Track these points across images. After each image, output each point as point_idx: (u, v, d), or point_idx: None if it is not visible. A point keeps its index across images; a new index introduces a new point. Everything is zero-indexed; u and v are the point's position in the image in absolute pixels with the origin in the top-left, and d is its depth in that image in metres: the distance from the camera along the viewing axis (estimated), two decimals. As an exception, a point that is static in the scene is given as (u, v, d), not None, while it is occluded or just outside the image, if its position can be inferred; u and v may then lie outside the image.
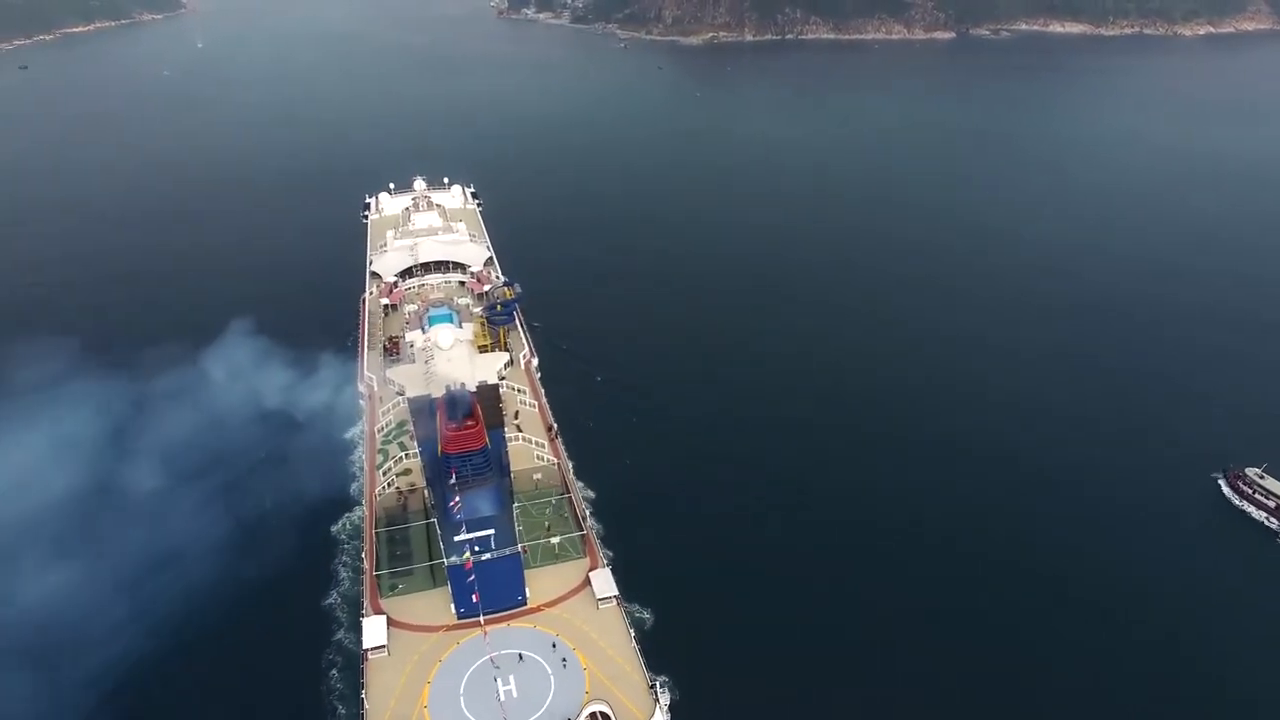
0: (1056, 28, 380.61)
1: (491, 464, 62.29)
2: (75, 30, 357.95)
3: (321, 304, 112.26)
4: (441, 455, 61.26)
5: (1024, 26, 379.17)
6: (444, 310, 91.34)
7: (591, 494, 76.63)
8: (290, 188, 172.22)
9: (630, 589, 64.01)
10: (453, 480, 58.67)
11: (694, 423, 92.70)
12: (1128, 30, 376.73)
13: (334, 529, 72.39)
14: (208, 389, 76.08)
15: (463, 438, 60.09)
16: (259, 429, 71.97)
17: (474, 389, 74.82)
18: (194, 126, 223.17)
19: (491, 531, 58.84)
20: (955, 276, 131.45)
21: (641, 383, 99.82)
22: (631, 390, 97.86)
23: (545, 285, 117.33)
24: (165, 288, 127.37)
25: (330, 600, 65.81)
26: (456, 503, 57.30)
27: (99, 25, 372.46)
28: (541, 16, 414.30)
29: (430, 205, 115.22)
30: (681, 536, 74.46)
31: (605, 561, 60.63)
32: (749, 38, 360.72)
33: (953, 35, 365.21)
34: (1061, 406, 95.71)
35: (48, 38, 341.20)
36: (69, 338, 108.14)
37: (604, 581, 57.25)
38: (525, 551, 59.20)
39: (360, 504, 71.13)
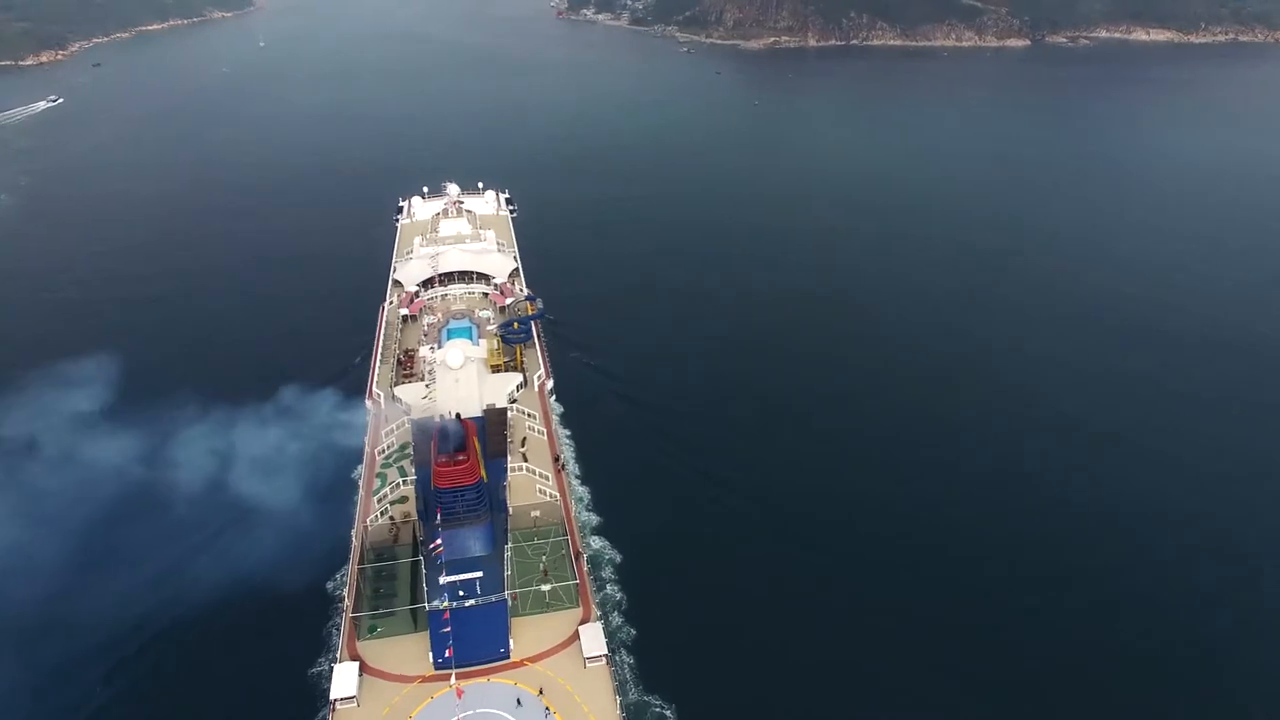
0: (1141, 35, 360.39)
1: (484, 500, 57.92)
2: (150, 28, 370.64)
3: (349, 314, 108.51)
4: (432, 489, 57.34)
5: (1104, 34, 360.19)
6: (464, 323, 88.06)
7: (612, 549, 69.95)
8: (327, 189, 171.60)
9: (637, 667, 59.06)
10: (437, 520, 54.47)
11: (739, 462, 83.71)
12: (1221, 38, 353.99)
13: (330, 585, 64.42)
14: (197, 424, 71.62)
15: (453, 473, 55.88)
16: (251, 469, 64.69)
17: (481, 412, 71.55)
18: (242, 125, 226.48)
19: (479, 575, 54.55)
20: (1041, 302, 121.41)
21: (680, 410, 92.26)
22: (667, 415, 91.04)
23: (578, 299, 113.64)
24: (177, 293, 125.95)
25: (319, 668, 58.30)
26: (437, 545, 53.05)
27: (173, 23, 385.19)
28: (600, 18, 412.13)
29: (460, 211, 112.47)
30: (705, 608, 65.11)
31: (599, 614, 55.79)
32: (812, 43, 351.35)
33: (1027, 43, 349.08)
34: (1158, 448, 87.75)
35: (125, 35, 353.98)
36: (97, 346, 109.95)
37: (594, 638, 52.60)
38: (515, 599, 54.87)
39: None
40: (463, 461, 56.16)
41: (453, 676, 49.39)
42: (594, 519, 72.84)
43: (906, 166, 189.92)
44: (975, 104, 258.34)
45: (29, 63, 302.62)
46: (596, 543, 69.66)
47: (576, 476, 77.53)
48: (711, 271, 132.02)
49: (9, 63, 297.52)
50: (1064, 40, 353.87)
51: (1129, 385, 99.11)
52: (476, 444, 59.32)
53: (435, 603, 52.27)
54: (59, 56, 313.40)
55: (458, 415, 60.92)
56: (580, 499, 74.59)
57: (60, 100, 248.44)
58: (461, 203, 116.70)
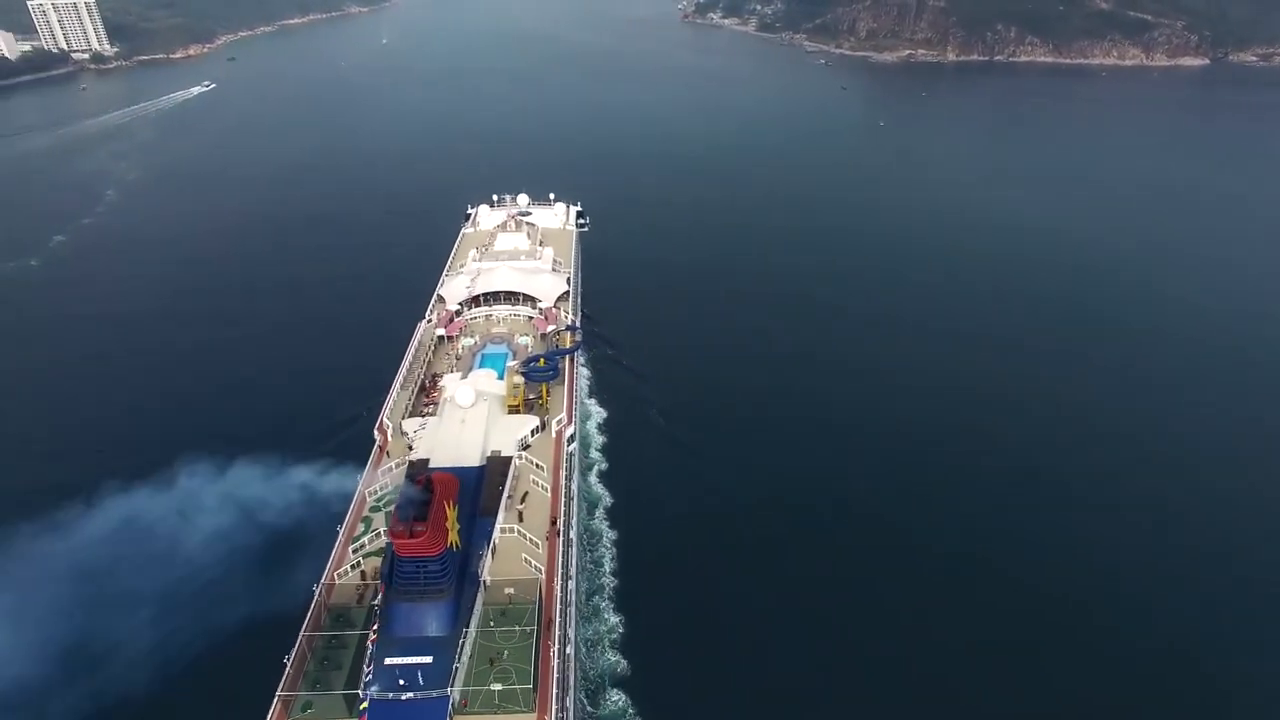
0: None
1: (450, 572, 49.94)
2: (292, 22, 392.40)
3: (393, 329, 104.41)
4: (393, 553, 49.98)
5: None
6: (501, 348, 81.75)
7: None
8: (411, 190, 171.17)
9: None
10: (377, 599, 47.03)
11: (820, 554, 72.62)
12: None
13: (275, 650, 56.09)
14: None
15: (409, 545, 48.23)
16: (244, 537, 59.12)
17: (482, 460, 64.19)
18: (347, 120, 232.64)
19: (429, 660, 46.85)
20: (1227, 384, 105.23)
21: (744, 466, 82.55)
22: (720, 465, 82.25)
23: (642, 330, 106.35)
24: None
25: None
26: (374, 630, 45.59)
27: (313, 18, 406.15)
28: (727, 22, 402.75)
29: (520, 226, 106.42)
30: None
31: (555, 727, 46.68)
32: (951, 57, 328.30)
33: (1205, 62, 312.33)
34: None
35: (268, 29, 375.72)
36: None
37: (541, 756, 43.67)
38: (465, 704, 46.66)
39: None
40: (420, 533, 48.38)
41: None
42: (621, 663, 62.29)
43: (1049, 213, 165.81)
44: (1154, 135, 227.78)
45: (178, 56, 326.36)
46: (615, 697, 59.80)
47: (610, 598, 68.18)
48: (800, 319, 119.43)
49: (161, 56, 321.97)
50: (1253, 59, 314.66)
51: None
52: (449, 509, 51.39)
53: (371, 690, 45.12)
54: (205, 50, 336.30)
55: (428, 476, 53.02)
56: (610, 631, 65.28)
57: (214, 85, 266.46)
58: (527, 214, 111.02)
